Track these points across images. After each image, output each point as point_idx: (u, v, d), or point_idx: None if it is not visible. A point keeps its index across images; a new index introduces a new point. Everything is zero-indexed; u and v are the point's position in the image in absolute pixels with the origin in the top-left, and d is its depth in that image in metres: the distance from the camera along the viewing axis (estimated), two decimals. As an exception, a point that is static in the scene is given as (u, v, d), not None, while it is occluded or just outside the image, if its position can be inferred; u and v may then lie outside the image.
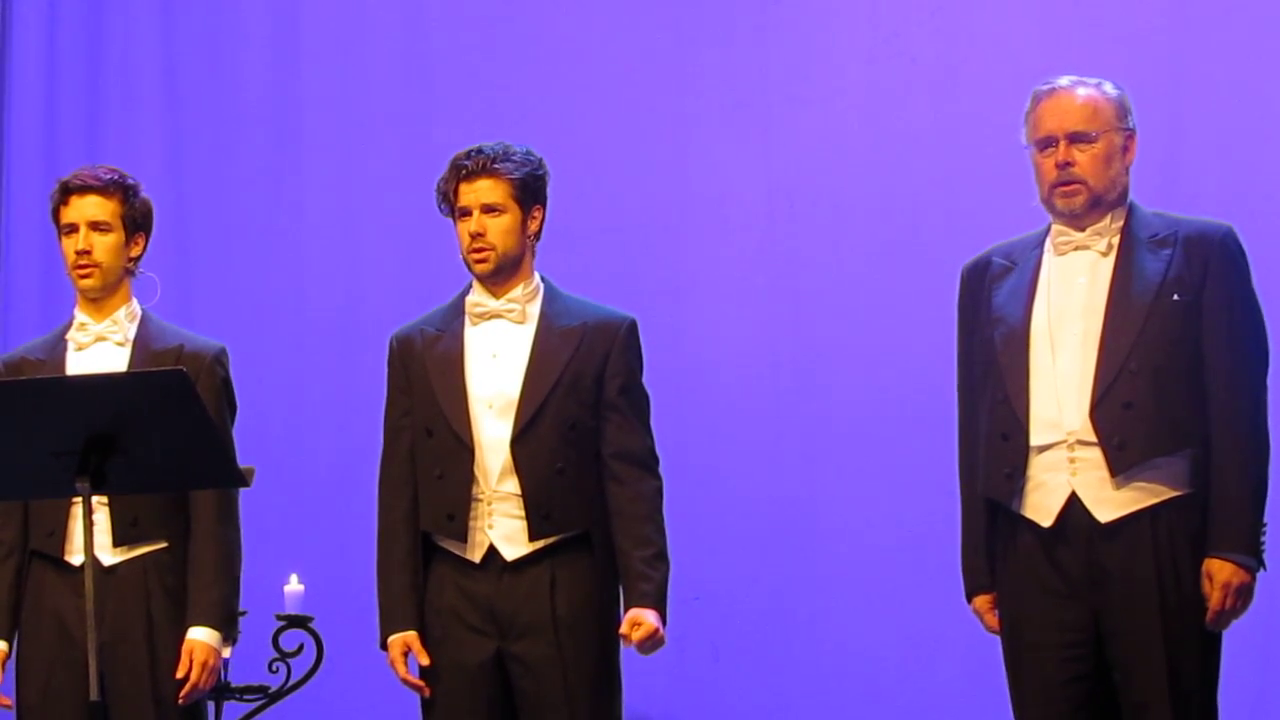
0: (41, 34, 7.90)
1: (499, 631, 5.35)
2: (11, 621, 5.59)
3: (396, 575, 5.45)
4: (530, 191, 5.48)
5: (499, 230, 5.44)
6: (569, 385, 5.41)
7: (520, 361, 5.44)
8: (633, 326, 5.53)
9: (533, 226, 5.49)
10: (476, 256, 5.45)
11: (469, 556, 5.39)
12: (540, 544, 5.36)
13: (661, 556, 5.40)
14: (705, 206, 7.56)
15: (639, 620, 5.33)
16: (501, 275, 5.48)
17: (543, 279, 5.54)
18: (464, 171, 5.48)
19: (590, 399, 5.43)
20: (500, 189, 5.46)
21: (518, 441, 5.38)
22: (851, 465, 7.32)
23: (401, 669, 5.41)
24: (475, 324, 5.49)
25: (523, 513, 5.36)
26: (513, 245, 5.45)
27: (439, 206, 5.54)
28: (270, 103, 7.95)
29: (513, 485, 5.37)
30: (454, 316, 5.53)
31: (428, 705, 5.42)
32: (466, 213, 5.46)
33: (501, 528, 5.37)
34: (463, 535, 5.39)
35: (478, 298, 5.49)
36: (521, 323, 5.48)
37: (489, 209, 5.45)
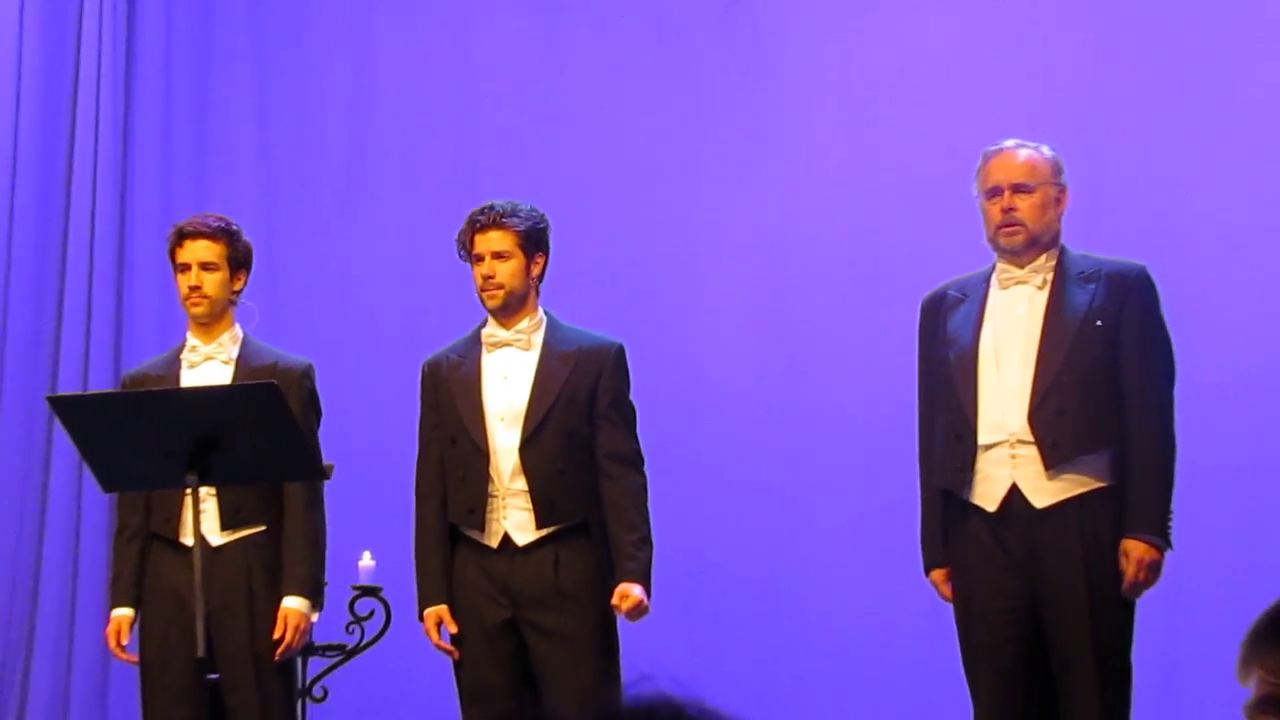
0: (159, 98, 7.92)
1: (513, 603, 5.38)
2: (137, 592, 5.61)
3: (430, 558, 5.49)
4: (533, 241, 5.51)
5: (507, 273, 5.48)
6: (567, 400, 5.44)
7: (526, 381, 5.47)
8: (620, 350, 5.56)
9: (535, 270, 5.52)
10: (488, 294, 5.50)
11: (488, 543, 5.42)
12: (546, 531, 5.40)
13: (646, 540, 5.42)
14: (705, 245, 7.55)
15: (626, 593, 5.35)
16: (509, 310, 5.51)
17: (546, 313, 5.58)
18: (478, 224, 5.53)
19: (585, 411, 5.46)
20: (508, 239, 5.49)
21: (525, 447, 5.42)
22: (830, 460, 7.31)
23: (435, 636, 5.47)
24: (490, 351, 5.52)
25: (531, 506, 5.40)
26: (518, 285, 5.49)
27: (459, 253, 5.58)
28: (346, 156, 7.95)
29: (522, 483, 5.41)
30: (473, 345, 5.57)
31: (459, 663, 5.47)
32: (480, 258, 5.50)
33: (514, 519, 5.41)
34: (482, 526, 5.43)
35: (491, 329, 5.53)
36: (527, 350, 5.50)
37: (498, 255, 5.48)
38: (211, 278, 5.62)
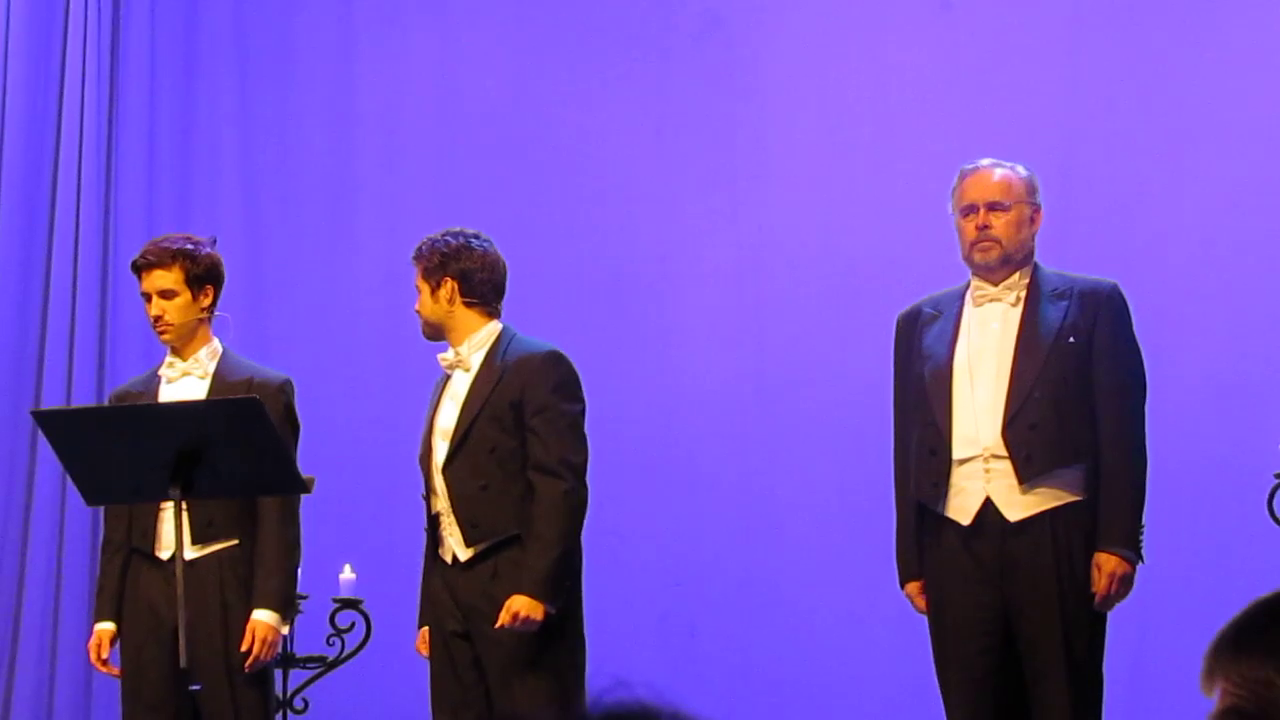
0: (143, 114, 7.93)
1: (463, 616, 5.39)
2: (119, 606, 5.61)
3: (423, 580, 5.56)
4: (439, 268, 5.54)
5: (423, 305, 5.53)
6: (490, 415, 5.39)
7: (461, 400, 5.49)
8: (548, 357, 5.46)
9: (443, 295, 5.50)
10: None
11: (446, 559, 5.45)
12: (478, 548, 5.39)
13: (550, 545, 5.29)
14: (682, 261, 7.58)
15: (508, 606, 5.27)
16: (437, 334, 5.56)
17: (505, 329, 5.54)
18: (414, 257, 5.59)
19: (510, 424, 5.39)
20: (417, 273, 5.55)
21: (446, 466, 5.43)
22: (806, 474, 7.33)
23: (422, 646, 5.54)
24: (450, 374, 5.55)
25: (455, 522, 5.42)
26: (434, 315, 5.54)
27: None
28: (328, 172, 7.96)
29: (447, 500, 5.43)
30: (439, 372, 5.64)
31: (430, 673, 5.52)
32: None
33: (453, 536, 5.41)
34: (440, 541, 5.46)
35: (444, 354, 5.55)
36: (468, 370, 5.50)
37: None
38: (173, 305, 5.58)
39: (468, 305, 5.52)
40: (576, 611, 5.43)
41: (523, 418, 5.39)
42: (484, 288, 5.54)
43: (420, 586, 5.57)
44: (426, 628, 5.51)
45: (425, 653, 5.51)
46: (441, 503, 5.43)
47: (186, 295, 5.57)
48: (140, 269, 5.61)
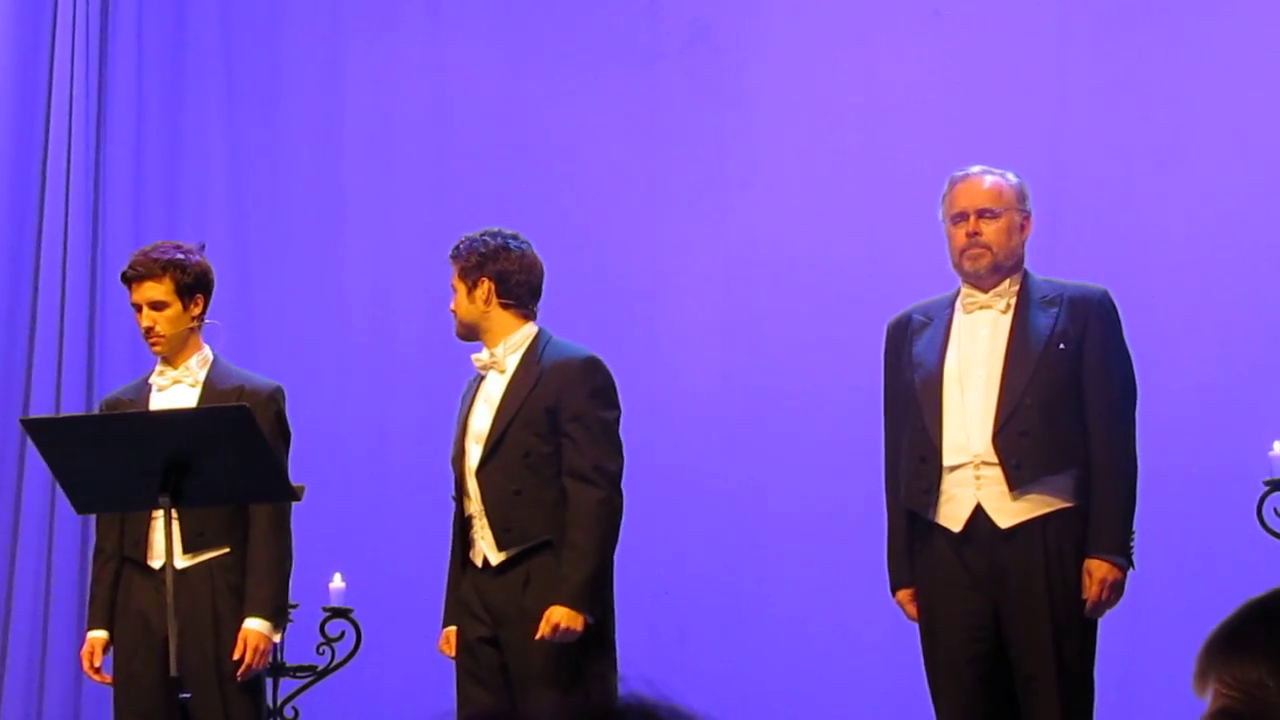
0: (131, 123, 7.92)
1: (493, 620, 5.37)
2: (110, 614, 5.59)
3: (449, 584, 5.52)
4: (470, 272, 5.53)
5: (459, 305, 5.52)
6: (525, 419, 5.37)
7: (496, 403, 5.46)
8: (586, 363, 5.44)
9: (479, 296, 5.49)
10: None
11: (476, 562, 5.43)
12: (510, 552, 5.37)
13: (585, 556, 5.28)
14: (671, 270, 7.58)
15: (548, 617, 5.26)
16: (471, 335, 5.53)
17: (541, 332, 5.52)
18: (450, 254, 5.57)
19: (545, 429, 5.37)
20: (454, 272, 5.53)
21: (480, 470, 5.41)
22: (796, 483, 7.33)
23: (446, 647, 5.49)
24: (485, 375, 5.52)
25: (488, 526, 5.40)
26: (470, 315, 5.51)
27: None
28: (318, 182, 7.97)
29: (480, 504, 5.41)
30: (472, 372, 5.60)
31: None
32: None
33: (485, 539, 5.40)
34: (472, 544, 5.43)
35: (478, 354, 5.53)
36: (503, 372, 5.48)
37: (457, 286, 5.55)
38: (164, 316, 5.55)
39: (504, 306, 5.51)
40: (608, 624, 5.40)
41: (558, 423, 5.37)
42: (521, 289, 5.52)
43: (447, 586, 5.52)
44: (453, 628, 5.46)
45: (450, 653, 5.47)
46: (474, 506, 5.41)
47: (177, 306, 5.55)
48: (130, 280, 5.58)
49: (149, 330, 5.56)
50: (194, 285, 5.58)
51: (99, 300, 7.73)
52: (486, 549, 5.40)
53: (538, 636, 5.25)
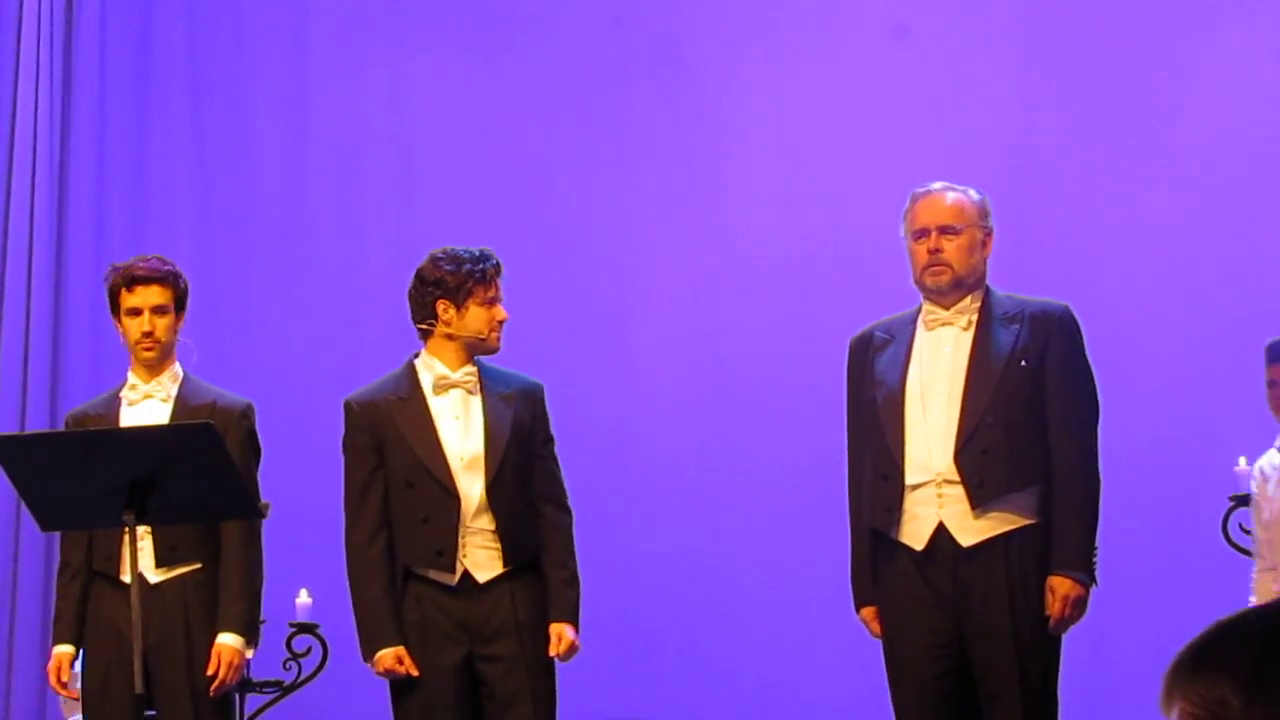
0: (95, 139, 7.90)
1: (470, 638, 5.34)
2: (79, 629, 5.56)
3: (384, 600, 5.36)
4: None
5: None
6: (517, 440, 5.43)
7: (478, 423, 5.43)
8: (543, 389, 5.58)
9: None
10: (493, 337, 5.52)
11: (447, 582, 5.37)
12: (508, 569, 5.37)
13: (575, 578, 5.47)
14: (636, 291, 7.60)
15: (560, 634, 5.36)
16: (468, 353, 5.50)
17: (477, 360, 5.52)
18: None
19: (528, 451, 5.47)
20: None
21: (492, 489, 5.38)
22: (761, 500, 7.34)
23: (401, 670, 5.32)
24: (440, 393, 5.46)
25: (497, 544, 5.37)
26: (475, 328, 5.48)
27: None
28: (282, 199, 7.97)
29: (486, 522, 5.37)
30: (412, 386, 5.48)
31: (409, 704, 5.37)
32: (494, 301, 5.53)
33: (475, 557, 5.36)
34: (450, 566, 5.36)
35: (442, 370, 5.47)
36: (474, 393, 5.47)
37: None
38: (163, 322, 5.57)
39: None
40: None
41: (532, 445, 5.49)
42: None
43: (382, 605, 5.36)
44: (401, 648, 5.35)
45: (402, 671, 5.34)
46: (465, 525, 5.37)
47: (173, 316, 5.58)
48: (138, 281, 5.56)
49: (147, 335, 5.54)
50: (182, 300, 5.62)
51: (63, 318, 7.70)
52: (474, 567, 5.36)
53: (552, 654, 5.35)
